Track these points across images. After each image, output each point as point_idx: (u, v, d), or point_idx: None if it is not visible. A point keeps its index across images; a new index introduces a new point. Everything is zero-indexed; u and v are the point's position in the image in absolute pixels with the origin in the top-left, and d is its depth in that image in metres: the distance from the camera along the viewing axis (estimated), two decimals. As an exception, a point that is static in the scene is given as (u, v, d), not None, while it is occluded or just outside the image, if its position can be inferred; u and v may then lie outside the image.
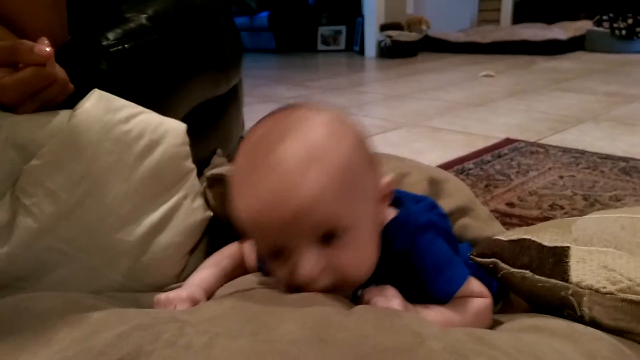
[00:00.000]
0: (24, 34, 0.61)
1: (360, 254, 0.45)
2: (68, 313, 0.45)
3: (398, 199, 0.51)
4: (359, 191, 0.44)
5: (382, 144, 1.79)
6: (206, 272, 0.56)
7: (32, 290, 0.52)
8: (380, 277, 0.47)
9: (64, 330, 0.42)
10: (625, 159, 1.46)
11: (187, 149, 0.62)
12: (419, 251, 0.47)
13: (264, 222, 0.42)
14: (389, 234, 0.47)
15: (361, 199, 0.45)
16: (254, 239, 0.46)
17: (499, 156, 1.55)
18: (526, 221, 1.10)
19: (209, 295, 0.55)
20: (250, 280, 0.55)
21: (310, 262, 0.43)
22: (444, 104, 2.35)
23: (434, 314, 0.46)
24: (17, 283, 0.52)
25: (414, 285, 0.48)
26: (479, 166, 1.47)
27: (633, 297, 0.46)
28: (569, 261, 0.50)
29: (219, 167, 0.64)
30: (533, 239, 0.54)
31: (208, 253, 0.61)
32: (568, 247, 0.52)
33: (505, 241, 0.55)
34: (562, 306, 0.50)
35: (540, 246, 0.53)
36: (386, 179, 0.49)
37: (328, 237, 0.43)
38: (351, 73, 3.62)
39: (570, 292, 0.49)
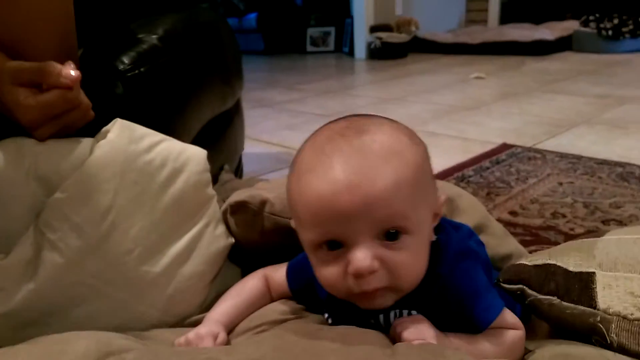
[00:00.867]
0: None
1: (415, 260, 0.46)
2: (103, 357, 0.45)
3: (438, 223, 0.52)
4: (425, 198, 0.45)
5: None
6: (227, 305, 0.56)
7: (59, 325, 0.51)
8: (415, 299, 0.48)
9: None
10: (622, 164, 1.49)
11: (208, 175, 0.62)
12: (459, 277, 0.48)
13: (330, 207, 0.42)
14: (431, 257, 0.48)
15: (425, 206, 0.46)
16: (310, 228, 0.45)
17: (498, 162, 1.57)
18: (530, 230, 1.12)
19: (230, 329, 0.54)
20: (277, 310, 0.55)
21: (369, 255, 0.42)
22: (438, 107, 2.37)
23: (468, 345, 0.46)
24: (44, 319, 0.52)
25: (448, 311, 0.48)
26: (479, 173, 1.48)
27: (662, 324, 0.47)
28: (595, 287, 0.51)
29: (238, 192, 0.63)
30: (558, 264, 0.55)
31: (229, 280, 0.61)
32: (594, 273, 0.52)
33: (530, 266, 0.56)
34: (590, 332, 0.50)
35: (566, 272, 0.54)
36: (442, 198, 0.49)
37: (390, 236, 0.43)
38: (342, 75, 3.62)
39: (598, 318, 0.50)
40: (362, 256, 0.43)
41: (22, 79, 0.54)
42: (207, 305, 0.58)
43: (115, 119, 0.58)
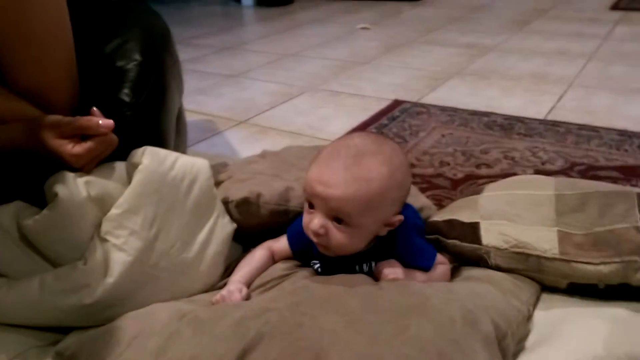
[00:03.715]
0: (47, 103, 0.75)
1: (349, 241, 0.72)
2: (181, 317, 0.67)
3: None
4: (374, 214, 0.71)
5: (292, 113, 2.02)
6: (243, 270, 0.80)
7: (131, 305, 0.72)
8: (381, 255, 0.76)
9: (190, 327, 0.64)
10: (487, 114, 1.87)
11: (212, 180, 0.82)
12: (410, 244, 0.78)
13: (312, 188, 0.68)
14: (392, 231, 0.75)
15: (372, 218, 0.71)
16: (305, 193, 0.72)
17: (393, 119, 1.88)
18: (425, 179, 1.44)
19: (249, 285, 0.79)
20: (280, 268, 0.80)
21: (317, 224, 0.69)
22: (334, 63, 2.61)
23: (423, 277, 0.76)
24: (119, 302, 0.71)
25: (406, 259, 0.77)
26: (380, 130, 1.78)
27: (518, 250, 0.79)
28: (480, 231, 0.83)
29: (235, 189, 0.85)
30: (457, 218, 0.85)
31: (236, 255, 0.84)
32: (478, 222, 0.84)
33: (440, 221, 0.86)
34: (479, 260, 0.82)
35: (462, 223, 0.85)
36: (399, 217, 0.74)
37: (337, 219, 0.70)
38: (234, 27, 3.68)
39: (483, 251, 0.81)
40: (316, 222, 0.70)
41: (66, 133, 0.70)
42: (226, 274, 0.81)
43: (144, 147, 0.76)
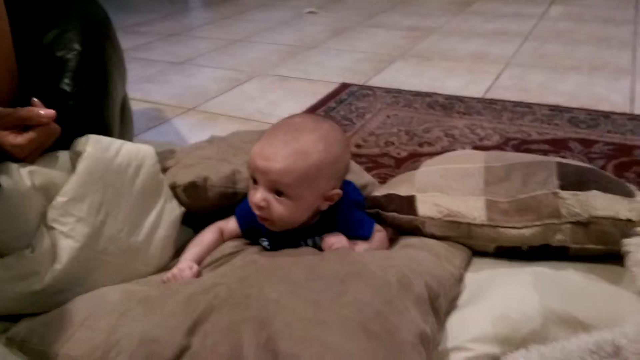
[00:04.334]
0: None
1: (289, 213, 0.76)
2: (132, 297, 0.69)
3: None
4: (312, 187, 0.75)
5: (241, 99, 2.04)
6: (194, 249, 0.83)
7: (81, 289, 0.73)
8: (325, 230, 0.80)
9: (141, 306, 0.67)
10: (429, 94, 1.95)
11: (158, 165, 0.84)
12: (351, 218, 0.83)
13: (254, 163, 0.73)
14: (333, 206, 0.80)
15: (311, 191, 0.75)
16: (249, 169, 0.76)
17: (341, 102, 1.93)
18: (371, 159, 1.50)
19: (199, 263, 0.82)
20: (230, 246, 0.83)
21: (259, 197, 0.74)
22: (282, 48, 2.63)
23: (364, 245, 0.81)
24: (69, 287, 0.73)
25: (347, 231, 0.81)
26: (328, 114, 1.82)
27: (450, 219, 0.85)
28: (416, 204, 0.88)
29: (181, 173, 0.87)
30: (395, 192, 0.91)
31: (185, 238, 0.87)
32: (414, 195, 0.89)
33: (380, 196, 0.92)
34: (415, 230, 0.88)
35: (400, 197, 0.90)
36: (337, 191, 0.79)
37: (277, 192, 0.75)
38: (179, 13, 3.62)
39: (419, 221, 0.87)
40: (258, 196, 0.74)
41: (6, 124, 0.70)
42: (175, 257, 0.84)
43: (87, 135, 0.76)
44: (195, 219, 0.89)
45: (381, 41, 2.66)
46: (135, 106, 1.95)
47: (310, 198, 0.77)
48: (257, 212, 0.76)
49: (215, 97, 2.04)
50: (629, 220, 0.73)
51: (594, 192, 0.78)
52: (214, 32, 3.06)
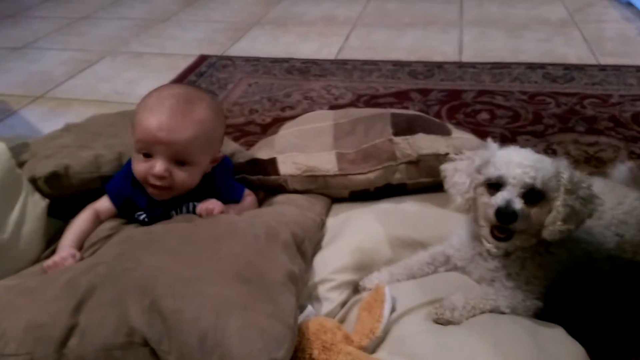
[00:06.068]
0: None
1: (189, 179, 0.82)
2: (9, 290, 0.70)
3: None
4: (208, 151, 0.82)
5: (94, 80, 1.95)
6: (70, 235, 0.84)
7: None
8: (199, 196, 0.86)
9: (21, 297, 0.68)
10: (287, 60, 2.03)
11: (13, 160, 0.83)
12: (225, 184, 0.90)
13: (154, 136, 0.77)
14: (209, 173, 0.86)
15: (206, 155, 0.83)
16: (139, 142, 0.79)
17: (201, 74, 1.94)
18: (238, 128, 1.56)
19: (79, 248, 0.83)
20: (106, 228, 0.86)
21: (161, 168, 0.79)
22: (132, 22, 2.53)
23: (238, 207, 0.88)
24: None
25: (222, 195, 0.87)
26: (189, 87, 1.83)
27: (308, 173, 0.96)
28: (277, 164, 0.97)
29: (39, 164, 0.87)
30: (258, 157, 0.99)
31: (54, 229, 0.87)
32: (275, 157, 0.98)
33: (244, 162, 0.99)
34: (280, 188, 0.98)
35: (262, 160, 0.99)
36: (221, 153, 0.86)
37: (179, 162, 0.80)
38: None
39: (282, 180, 0.97)
40: (160, 167, 0.79)
41: None
42: (47, 248, 0.84)
43: None
44: (65, 208, 0.90)
45: (235, 9, 2.67)
46: (-27, 100, 1.79)
47: (205, 162, 0.84)
48: (156, 182, 0.80)
49: (64, 82, 1.93)
50: (447, 154, 0.89)
51: (420, 135, 0.94)
52: (54, 11, 2.82)
